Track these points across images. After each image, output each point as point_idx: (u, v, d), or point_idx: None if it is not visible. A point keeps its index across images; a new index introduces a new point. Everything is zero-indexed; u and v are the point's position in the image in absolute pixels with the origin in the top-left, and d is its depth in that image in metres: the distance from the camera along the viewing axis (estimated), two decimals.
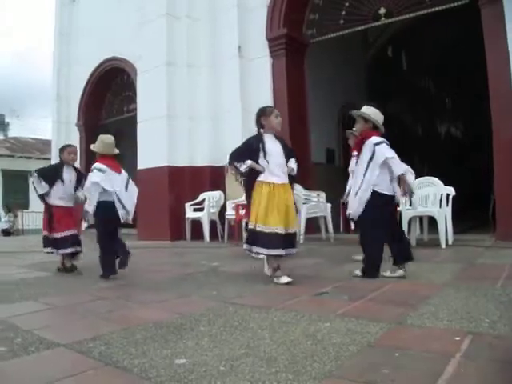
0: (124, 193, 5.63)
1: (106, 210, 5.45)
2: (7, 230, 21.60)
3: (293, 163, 4.91)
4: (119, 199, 5.53)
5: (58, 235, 6.03)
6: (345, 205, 6.66)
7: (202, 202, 10.57)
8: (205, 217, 10.31)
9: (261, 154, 4.73)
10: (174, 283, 4.95)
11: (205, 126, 11.14)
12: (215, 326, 3.02)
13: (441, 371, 2.08)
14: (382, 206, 4.71)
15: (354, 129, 5.57)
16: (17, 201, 26.15)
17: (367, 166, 4.73)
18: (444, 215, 7.20)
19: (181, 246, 9.49)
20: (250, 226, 4.67)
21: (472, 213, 12.83)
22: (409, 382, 2.03)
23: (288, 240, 4.66)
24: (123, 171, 5.80)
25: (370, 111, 4.91)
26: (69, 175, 6.18)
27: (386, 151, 4.64)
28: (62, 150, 6.35)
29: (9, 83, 68.85)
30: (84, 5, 15.95)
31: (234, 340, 2.68)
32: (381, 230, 4.68)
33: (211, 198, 10.58)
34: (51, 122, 17.16)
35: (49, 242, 6.15)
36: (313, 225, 9.74)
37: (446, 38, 15.55)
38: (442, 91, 19.74)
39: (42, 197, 6.09)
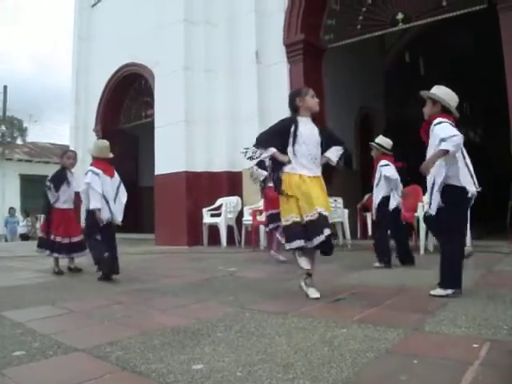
0: (112, 196, 5.79)
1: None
2: (25, 235, 21.75)
3: (331, 153, 4.37)
4: (107, 202, 5.71)
5: (58, 239, 6.34)
6: (362, 209, 6.76)
7: (220, 207, 10.59)
8: (222, 222, 10.32)
9: (290, 140, 4.17)
10: (191, 289, 4.96)
11: (222, 131, 11.16)
12: (232, 331, 3.02)
13: (459, 379, 2.07)
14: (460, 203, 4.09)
15: (375, 140, 6.43)
16: (35, 205, 26.38)
17: None
18: None
19: (198, 252, 9.51)
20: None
21: (489, 219, 12.70)
22: None
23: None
24: (116, 175, 5.99)
25: (441, 91, 4.24)
26: (71, 179, 6.48)
27: (440, 132, 3.90)
28: (62, 155, 6.69)
29: (27, 88, 69.63)
30: (103, 10, 16.08)
31: (251, 346, 2.68)
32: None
33: (228, 204, 10.59)
34: (69, 127, 17.31)
35: (45, 244, 6.44)
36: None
37: (464, 44, 15.44)
38: (460, 96, 19.63)
39: (51, 204, 6.40)
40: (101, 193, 5.68)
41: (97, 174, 5.73)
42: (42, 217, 7.46)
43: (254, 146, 4.44)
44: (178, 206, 10.95)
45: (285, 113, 9.86)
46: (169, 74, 11.62)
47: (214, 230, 10.53)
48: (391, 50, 16.11)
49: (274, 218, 6.83)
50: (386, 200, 6.19)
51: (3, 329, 3.28)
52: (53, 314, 3.85)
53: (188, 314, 3.65)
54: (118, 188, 5.89)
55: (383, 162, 6.22)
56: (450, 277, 3.94)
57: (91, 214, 5.73)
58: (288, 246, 4.14)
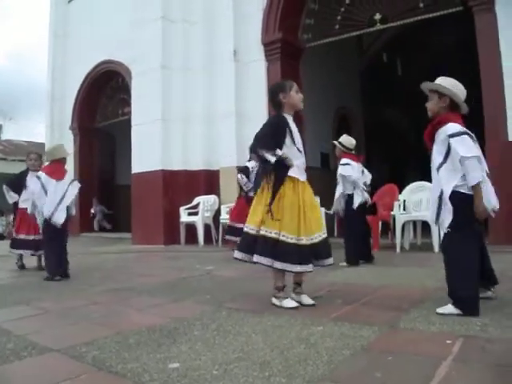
0: (55, 198, 5.79)
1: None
2: (0, 234, 21.45)
3: None
4: (34, 205, 5.86)
5: (21, 236, 6.64)
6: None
7: (197, 206, 10.57)
8: (199, 221, 10.30)
9: (287, 141, 3.81)
10: (167, 288, 4.94)
11: (199, 129, 11.13)
12: (209, 330, 3.02)
13: (432, 374, 2.10)
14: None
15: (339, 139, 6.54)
16: (10, 205, 26.06)
17: (441, 164, 3.45)
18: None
19: (175, 250, 9.48)
20: (272, 235, 3.68)
21: None
22: None
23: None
24: (66, 177, 6.02)
25: (448, 82, 3.66)
26: (31, 180, 6.39)
27: (461, 148, 3.29)
28: (26, 156, 6.95)
29: (1, 86, 68.65)
30: (79, 6, 15.92)
31: (228, 344, 2.68)
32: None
33: (206, 202, 10.58)
34: (44, 125, 17.11)
35: (14, 243, 6.74)
36: None
37: (442, 44, 15.61)
38: None
39: (15, 204, 6.76)
40: (38, 197, 5.81)
41: (39, 180, 5.84)
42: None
43: (253, 150, 3.90)
44: (154, 204, 10.90)
45: (262, 111, 9.94)
46: (146, 72, 11.56)
47: (191, 228, 10.51)
48: (369, 51, 16.24)
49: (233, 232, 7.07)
50: (350, 198, 6.32)
51: None
52: (28, 315, 3.80)
53: (164, 313, 3.64)
54: (64, 193, 5.87)
55: (343, 160, 6.37)
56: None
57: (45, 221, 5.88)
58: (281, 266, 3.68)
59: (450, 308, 3.21)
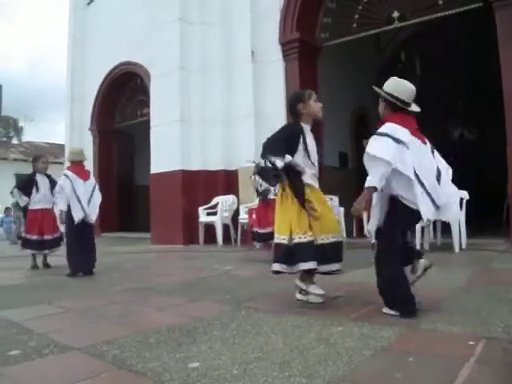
0: (86, 197, 6.10)
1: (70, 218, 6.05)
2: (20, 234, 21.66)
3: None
4: (79, 202, 6.03)
5: (34, 237, 6.92)
6: None
7: (216, 206, 10.59)
8: (218, 221, 10.32)
9: (300, 148, 3.77)
10: (186, 287, 4.96)
11: (218, 130, 11.15)
12: (228, 329, 3.02)
13: (454, 376, 2.07)
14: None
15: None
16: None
17: None
18: (458, 219, 7.14)
19: (194, 250, 9.51)
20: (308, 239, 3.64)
21: (485, 218, 12.73)
22: None
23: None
24: (91, 178, 6.38)
25: (389, 83, 3.63)
26: (42, 182, 7.01)
27: (370, 144, 3.37)
28: (36, 159, 7.24)
29: (23, 88, 69.51)
30: (98, 8, 16.07)
31: (247, 344, 2.68)
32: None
33: (224, 202, 10.60)
34: (64, 127, 17.28)
35: (26, 243, 7.06)
36: None
37: (461, 42, 15.45)
38: (456, 95, 19.64)
39: (25, 208, 7.05)
40: (69, 195, 6.04)
41: (68, 177, 6.12)
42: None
43: (263, 155, 3.82)
44: (173, 204, 10.95)
45: (280, 111, 9.94)
46: (164, 74, 11.62)
47: (210, 228, 10.54)
48: (386, 49, 16.11)
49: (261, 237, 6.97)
50: None
51: None
52: (49, 313, 3.84)
53: (184, 313, 3.65)
54: (92, 191, 6.21)
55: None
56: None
57: (67, 215, 6.11)
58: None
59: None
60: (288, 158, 3.67)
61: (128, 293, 4.71)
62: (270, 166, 3.72)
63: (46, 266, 7.14)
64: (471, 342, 2.55)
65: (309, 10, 10.66)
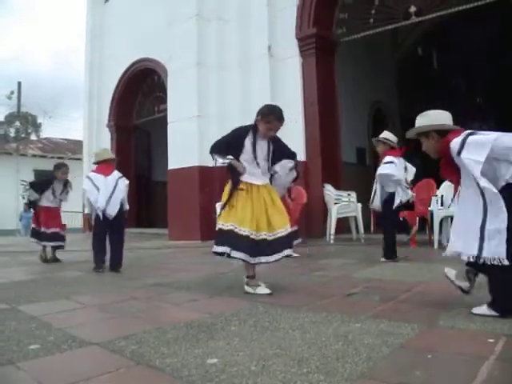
0: (107, 192, 6.13)
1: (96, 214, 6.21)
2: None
3: (278, 167, 4.44)
4: (103, 194, 6.12)
5: (43, 230, 7.38)
6: None
7: None
8: None
9: (247, 149, 4.32)
10: (204, 283, 4.98)
11: (235, 125, 11.06)
12: (246, 325, 3.02)
13: (474, 374, 2.05)
14: None
15: (380, 136, 6.43)
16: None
17: None
18: None
19: (212, 246, 9.50)
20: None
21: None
22: None
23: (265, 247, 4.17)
24: (115, 173, 6.39)
25: (427, 119, 3.52)
26: (58, 188, 7.53)
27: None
28: (57, 169, 7.60)
29: (41, 84, 70.17)
30: (115, 5, 16.15)
31: (265, 340, 2.68)
32: None
33: None
34: (82, 123, 17.41)
35: (35, 234, 7.56)
36: (343, 225, 9.70)
37: (478, 37, 15.30)
38: (474, 90, 19.46)
39: (34, 202, 7.55)
40: (90, 192, 6.18)
41: (89, 178, 6.26)
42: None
43: (210, 152, 4.54)
44: (191, 200, 10.98)
45: (297, 107, 9.91)
46: (182, 70, 11.65)
47: None
48: (404, 44, 16.01)
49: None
50: (390, 197, 6.21)
51: (19, 323, 3.30)
52: (67, 308, 3.87)
53: (202, 308, 3.66)
54: (114, 186, 6.21)
55: (387, 158, 6.16)
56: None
57: (96, 215, 6.22)
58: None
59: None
60: (229, 157, 4.27)
61: (146, 288, 4.73)
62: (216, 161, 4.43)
63: (55, 260, 7.47)
64: (491, 340, 2.53)
65: (325, 5, 10.63)
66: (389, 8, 10.01)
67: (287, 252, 4.18)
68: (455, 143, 3.09)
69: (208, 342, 2.68)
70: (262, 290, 4.17)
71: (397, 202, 6.11)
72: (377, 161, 6.83)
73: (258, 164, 4.33)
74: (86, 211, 6.39)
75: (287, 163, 4.49)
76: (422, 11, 9.55)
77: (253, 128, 4.39)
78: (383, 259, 6.21)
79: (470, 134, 3.10)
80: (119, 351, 2.59)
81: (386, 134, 6.42)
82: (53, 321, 3.34)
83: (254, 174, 4.32)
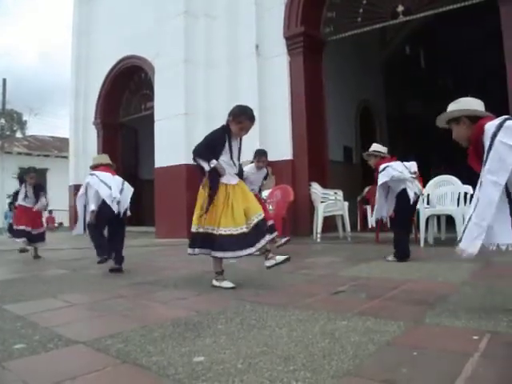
0: (117, 188, 6.03)
1: (100, 208, 5.91)
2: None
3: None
4: (109, 188, 5.94)
5: (21, 227, 8.03)
6: (362, 202, 6.80)
7: None
8: None
9: (226, 150, 4.52)
10: (191, 281, 4.98)
11: (222, 123, 11.12)
12: (233, 323, 3.03)
13: (459, 371, 2.07)
14: None
15: (370, 149, 6.42)
16: None
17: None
18: (462, 214, 7.13)
19: None
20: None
21: None
22: (427, 381, 2.02)
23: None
24: (117, 177, 6.29)
25: (458, 105, 3.52)
26: (29, 191, 8.30)
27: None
28: (25, 174, 8.35)
29: (27, 81, 69.63)
30: (102, 2, 16.07)
31: (252, 338, 2.69)
32: None
33: None
34: (68, 121, 17.30)
35: (11, 231, 8.34)
36: (330, 223, 9.73)
37: (466, 37, 15.40)
38: (462, 90, 19.64)
39: (12, 203, 8.52)
40: (96, 186, 5.91)
41: (95, 175, 6.00)
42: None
43: (193, 158, 4.57)
44: (178, 198, 10.97)
45: (284, 105, 9.90)
46: (169, 67, 11.63)
47: None
48: (391, 43, 16.08)
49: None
50: (402, 195, 6.00)
51: (4, 322, 3.28)
52: (54, 307, 3.85)
53: (189, 307, 3.66)
54: (123, 183, 6.15)
55: (382, 166, 6.04)
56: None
57: (99, 210, 5.93)
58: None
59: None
60: (214, 162, 4.35)
61: (133, 286, 4.73)
62: (201, 168, 4.45)
63: (37, 257, 8.13)
64: (475, 337, 2.55)
65: (313, 4, 10.65)
66: (377, 7, 10.05)
67: (263, 242, 4.41)
68: (491, 125, 3.03)
69: (195, 340, 2.68)
70: (227, 284, 4.41)
71: (411, 195, 5.91)
72: (364, 162, 6.84)
73: (234, 163, 4.55)
74: (92, 207, 6.02)
75: None
76: (409, 10, 9.60)
77: (226, 129, 4.58)
78: (390, 258, 5.99)
79: (508, 119, 3.01)
80: (105, 350, 2.58)
81: (376, 147, 6.42)
82: (39, 320, 3.33)
83: (230, 174, 4.52)
